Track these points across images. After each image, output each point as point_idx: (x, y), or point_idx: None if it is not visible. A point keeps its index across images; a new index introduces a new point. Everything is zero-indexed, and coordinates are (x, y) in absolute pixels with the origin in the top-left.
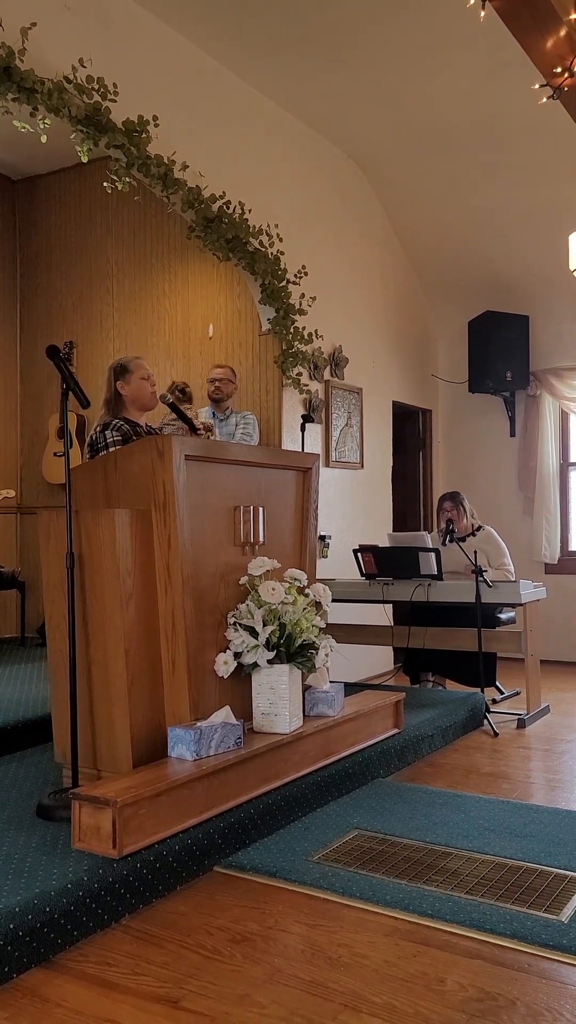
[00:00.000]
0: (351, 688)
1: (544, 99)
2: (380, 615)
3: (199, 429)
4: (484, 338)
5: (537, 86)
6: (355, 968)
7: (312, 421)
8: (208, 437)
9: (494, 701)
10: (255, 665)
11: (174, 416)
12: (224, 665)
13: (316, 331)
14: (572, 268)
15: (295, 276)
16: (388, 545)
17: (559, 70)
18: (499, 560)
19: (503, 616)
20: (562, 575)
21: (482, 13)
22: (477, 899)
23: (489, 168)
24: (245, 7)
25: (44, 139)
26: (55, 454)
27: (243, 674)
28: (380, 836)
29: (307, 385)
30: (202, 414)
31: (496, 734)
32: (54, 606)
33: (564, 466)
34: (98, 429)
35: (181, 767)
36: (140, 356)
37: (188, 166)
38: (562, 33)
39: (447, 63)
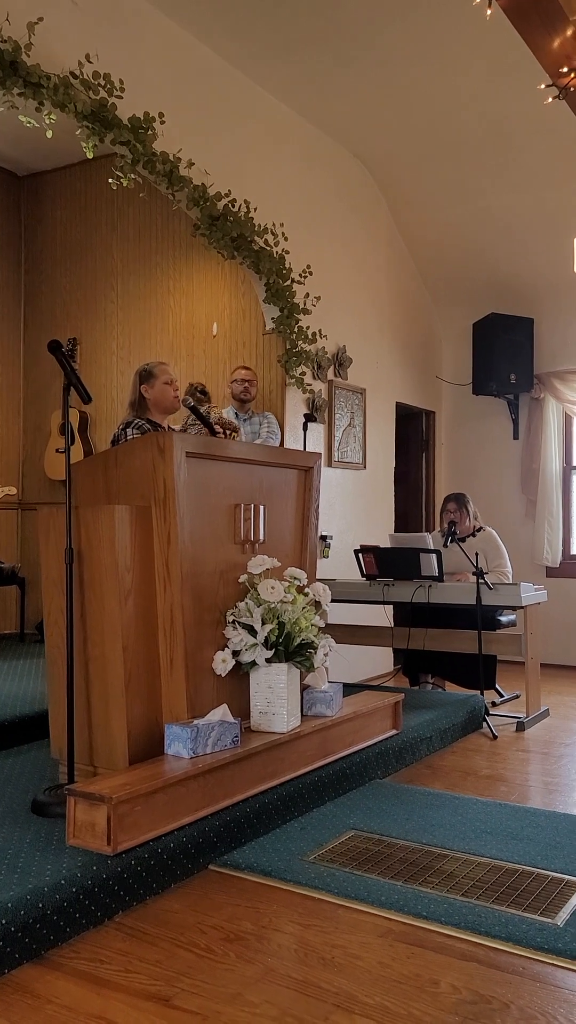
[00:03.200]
0: (350, 688)
1: (550, 99)
2: (380, 616)
3: (218, 431)
4: (488, 340)
5: (543, 86)
6: (348, 969)
7: (315, 421)
8: (233, 437)
9: (493, 704)
10: (253, 664)
11: (195, 418)
12: (222, 663)
13: (320, 331)
14: None
15: (300, 276)
16: (389, 546)
17: (565, 70)
18: (496, 561)
19: (503, 619)
20: (563, 578)
21: (488, 11)
22: (473, 901)
23: (495, 170)
24: (254, 7)
25: (50, 135)
26: (56, 450)
27: (241, 672)
28: (376, 837)
29: (310, 385)
30: (226, 413)
31: (495, 737)
32: (53, 602)
33: (567, 469)
34: (121, 427)
35: (177, 765)
36: (165, 362)
37: (194, 163)
38: (569, 33)
39: (454, 65)
